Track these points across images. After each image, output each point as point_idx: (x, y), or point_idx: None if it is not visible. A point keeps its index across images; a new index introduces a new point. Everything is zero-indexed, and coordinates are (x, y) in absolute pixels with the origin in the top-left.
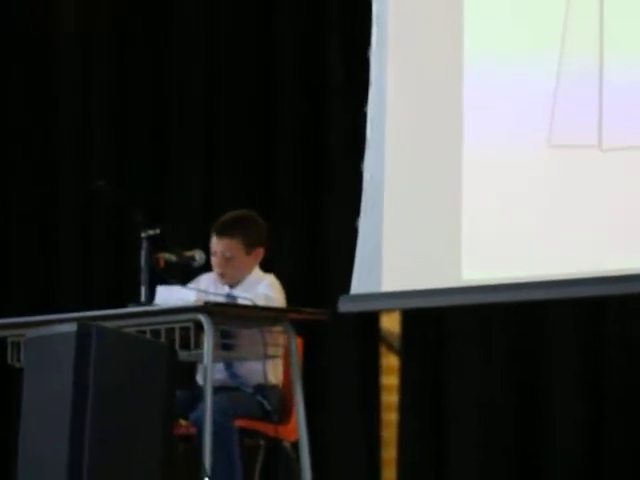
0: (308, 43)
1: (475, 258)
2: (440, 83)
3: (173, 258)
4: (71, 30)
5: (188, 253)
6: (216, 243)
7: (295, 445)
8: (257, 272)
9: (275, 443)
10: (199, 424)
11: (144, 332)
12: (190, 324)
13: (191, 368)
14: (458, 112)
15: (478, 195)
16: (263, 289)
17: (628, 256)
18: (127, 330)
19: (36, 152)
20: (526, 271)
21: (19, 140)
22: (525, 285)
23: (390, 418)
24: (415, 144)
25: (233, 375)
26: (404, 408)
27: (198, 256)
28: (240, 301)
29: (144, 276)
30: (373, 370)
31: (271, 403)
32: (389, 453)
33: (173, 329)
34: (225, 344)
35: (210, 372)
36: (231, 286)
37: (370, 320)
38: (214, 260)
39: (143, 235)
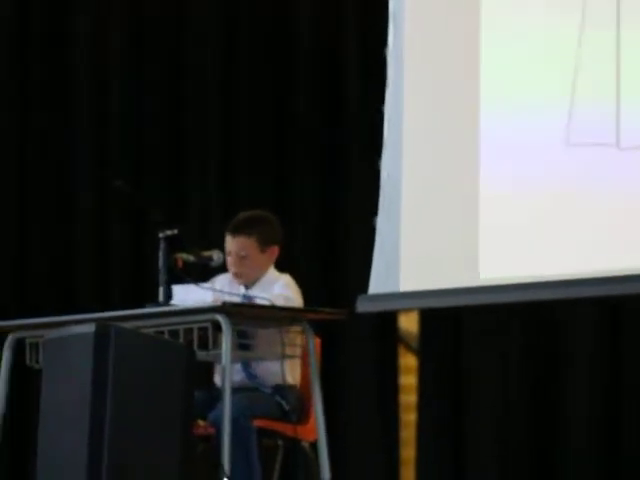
0: (325, 42)
1: (493, 257)
2: (457, 82)
3: (191, 258)
4: (87, 30)
5: (206, 253)
6: (231, 242)
7: (314, 445)
8: (272, 272)
9: (294, 443)
10: (218, 424)
11: (162, 332)
12: (208, 324)
13: (208, 369)
14: (475, 110)
15: (496, 193)
16: (279, 289)
17: None
18: (145, 331)
19: (53, 152)
20: (543, 270)
21: (36, 140)
22: (542, 285)
23: (408, 418)
24: (432, 143)
25: (251, 376)
26: (422, 408)
27: (216, 256)
28: (258, 301)
29: (162, 276)
30: (391, 370)
31: (289, 403)
32: (407, 453)
33: (191, 329)
34: (243, 344)
35: (229, 372)
36: (247, 287)
37: (388, 320)
38: (229, 260)
39: (161, 235)
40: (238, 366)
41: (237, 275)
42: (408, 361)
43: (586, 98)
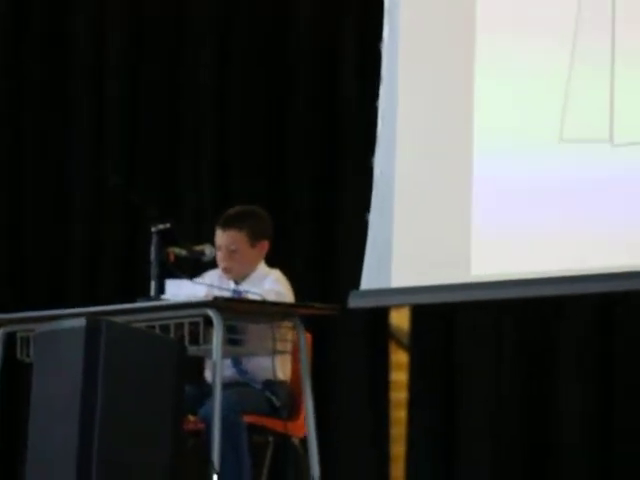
0: (321, 38)
1: (485, 254)
2: (451, 79)
3: (183, 252)
4: (86, 30)
5: (198, 247)
6: (221, 236)
7: (304, 441)
8: (263, 267)
9: (284, 439)
10: (208, 420)
11: (153, 327)
12: (199, 319)
13: (199, 364)
14: (469, 107)
15: (488, 191)
16: (270, 284)
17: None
18: (136, 325)
19: (49, 148)
20: (536, 267)
21: (33, 137)
22: (534, 281)
23: (399, 414)
24: (426, 139)
25: (241, 371)
26: (413, 404)
27: (208, 250)
28: (249, 296)
29: (154, 270)
30: (382, 366)
31: (280, 399)
32: (398, 449)
33: (182, 324)
34: (233, 339)
35: (219, 367)
36: (236, 282)
37: (380, 316)
38: (219, 255)
39: (153, 229)
40: (228, 361)
41: (227, 270)
42: (399, 357)
43: (580, 95)
